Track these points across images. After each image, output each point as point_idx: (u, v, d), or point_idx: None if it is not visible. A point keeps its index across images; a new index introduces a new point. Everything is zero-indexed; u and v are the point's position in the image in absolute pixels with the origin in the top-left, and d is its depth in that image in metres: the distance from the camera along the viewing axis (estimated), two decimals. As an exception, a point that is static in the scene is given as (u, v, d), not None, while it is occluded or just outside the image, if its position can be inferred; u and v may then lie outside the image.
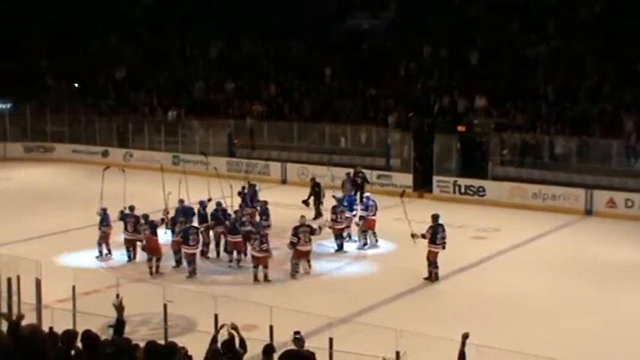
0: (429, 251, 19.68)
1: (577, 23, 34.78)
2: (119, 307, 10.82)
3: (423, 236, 19.78)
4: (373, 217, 23.03)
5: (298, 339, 10.82)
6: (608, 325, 16.58)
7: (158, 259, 20.40)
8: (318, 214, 24.81)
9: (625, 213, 26.39)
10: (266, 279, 19.59)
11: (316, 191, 25.94)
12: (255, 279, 19.57)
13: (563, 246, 23.30)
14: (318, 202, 25.75)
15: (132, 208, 21.57)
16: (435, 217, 20.09)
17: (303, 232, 20.04)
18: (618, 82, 31.23)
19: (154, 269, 20.23)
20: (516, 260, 21.78)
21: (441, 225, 19.91)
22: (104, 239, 21.77)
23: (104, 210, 21.85)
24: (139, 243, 21.01)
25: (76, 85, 42.90)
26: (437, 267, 19.61)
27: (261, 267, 19.62)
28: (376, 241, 22.99)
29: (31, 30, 43.65)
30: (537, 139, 30.38)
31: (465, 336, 10.09)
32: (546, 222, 25.66)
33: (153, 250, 20.39)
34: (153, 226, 20.62)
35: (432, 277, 19.60)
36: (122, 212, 21.64)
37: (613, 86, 31.14)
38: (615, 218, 26.19)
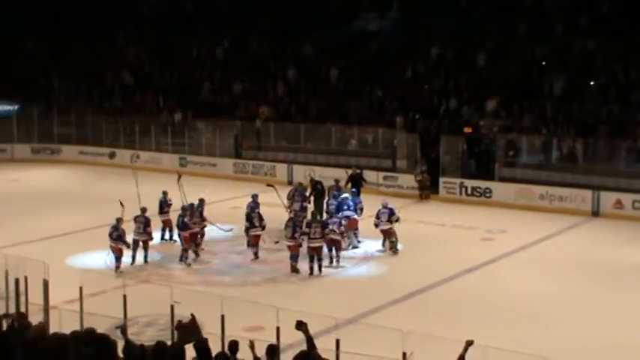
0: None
1: (584, 24, 34.74)
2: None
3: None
4: (355, 218, 23.12)
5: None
6: (615, 326, 16.55)
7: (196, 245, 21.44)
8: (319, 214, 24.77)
9: (632, 214, 26.33)
10: (337, 261, 21.06)
11: (319, 189, 25.82)
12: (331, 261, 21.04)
13: (570, 247, 23.27)
14: (319, 202, 25.39)
15: (143, 210, 21.83)
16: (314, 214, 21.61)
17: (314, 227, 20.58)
18: (626, 83, 31.21)
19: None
20: (523, 262, 21.75)
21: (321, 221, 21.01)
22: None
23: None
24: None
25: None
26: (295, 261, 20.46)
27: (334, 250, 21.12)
28: (358, 241, 23.00)
29: (37, 30, 43.72)
30: (544, 140, 30.36)
31: (469, 343, 10.01)
32: (553, 223, 25.63)
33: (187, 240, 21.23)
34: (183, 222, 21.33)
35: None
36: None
37: (620, 87, 31.10)
38: (622, 219, 26.14)
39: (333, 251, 21.14)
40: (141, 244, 21.41)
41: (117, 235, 20.55)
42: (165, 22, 44.61)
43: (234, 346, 10.48)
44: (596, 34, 33.66)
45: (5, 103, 40.50)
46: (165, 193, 23.54)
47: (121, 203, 21.40)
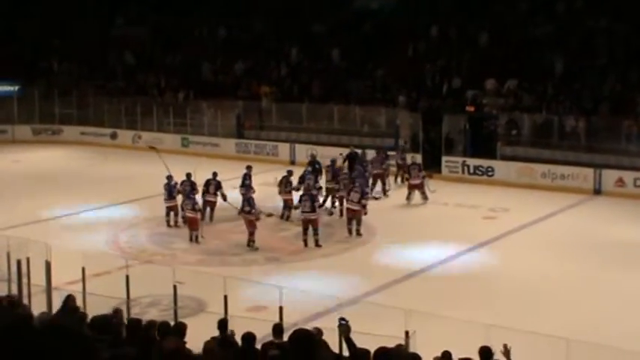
0: None
1: (586, 2, 34.59)
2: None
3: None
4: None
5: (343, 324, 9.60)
6: (617, 303, 16.58)
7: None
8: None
9: (634, 192, 26.31)
10: (358, 233, 21.79)
11: (316, 168, 25.94)
12: (350, 233, 21.84)
13: (571, 225, 23.28)
14: (316, 180, 25.44)
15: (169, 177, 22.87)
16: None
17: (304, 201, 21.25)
18: (627, 61, 31.12)
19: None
20: (525, 240, 21.76)
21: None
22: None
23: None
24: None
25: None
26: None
27: (354, 221, 21.83)
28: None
29: (38, 11, 43.53)
30: (546, 119, 30.31)
31: (507, 350, 9.78)
32: (555, 201, 25.63)
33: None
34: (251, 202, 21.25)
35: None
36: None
37: (622, 65, 31.02)
38: (624, 197, 26.10)
39: (353, 223, 21.90)
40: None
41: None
42: (167, 1, 44.33)
43: (222, 323, 10.65)
44: (597, 12, 33.51)
45: (6, 84, 40.38)
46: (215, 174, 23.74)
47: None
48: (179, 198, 22.56)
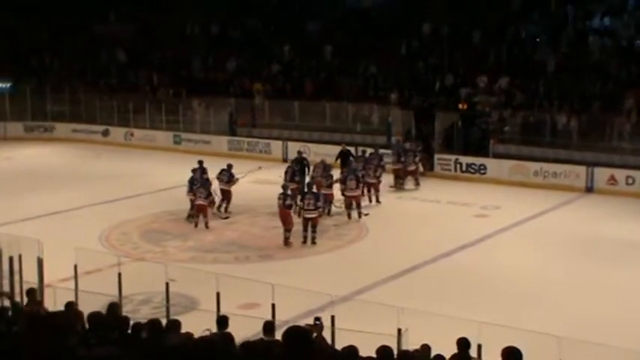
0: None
1: (578, 1, 34.66)
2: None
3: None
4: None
5: (318, 325, 10.25)
6: (609, 301, 16.60)
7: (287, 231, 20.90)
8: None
9: (626, 190, 26.37)
10: (359, 216, 23.01)
11: (304, 165, 25.92)
12: (349, 217, 23.04)
13: (564, 223, 23.30)
14: (302, 177, 25.46)
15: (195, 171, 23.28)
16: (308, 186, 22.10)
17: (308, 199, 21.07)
18: (619, 59, 31.18)
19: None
20: (517, 238, 21.79)
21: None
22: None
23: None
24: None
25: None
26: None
27: (354, 205, 23.08)
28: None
29: (30, 8, 43.43)
30: (538, 117, 30.35)
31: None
32: (547, 199, 25.67)
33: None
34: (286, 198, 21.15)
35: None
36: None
37: (613, 63, 31.07)
38: (616, 195, 26.17)
39: (353, 205, 23.06)
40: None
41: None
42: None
43: (223, 320, 10.59)
44: (589, 11, 33.59)
45: (-3, 81, 40.33)
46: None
47: None
48: (215, 184, 23.10)
